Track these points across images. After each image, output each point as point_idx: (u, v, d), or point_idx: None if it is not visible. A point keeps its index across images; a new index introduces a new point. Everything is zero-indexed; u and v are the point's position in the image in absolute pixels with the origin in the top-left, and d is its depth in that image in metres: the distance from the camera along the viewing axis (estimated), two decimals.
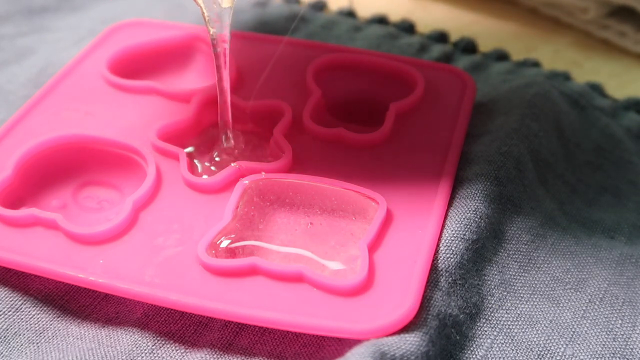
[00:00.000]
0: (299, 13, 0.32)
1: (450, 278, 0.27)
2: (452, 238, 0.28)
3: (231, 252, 0.27)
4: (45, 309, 0.28)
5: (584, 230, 0.30)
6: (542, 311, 0.27)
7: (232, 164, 0.30)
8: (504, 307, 0.27)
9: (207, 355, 0.26)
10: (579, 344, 0.27)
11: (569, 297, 0.28)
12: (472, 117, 0.33)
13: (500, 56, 0.40)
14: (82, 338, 0.27)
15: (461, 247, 0.28)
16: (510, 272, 0.28)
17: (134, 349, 0.27)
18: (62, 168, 0.31)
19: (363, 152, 0.31)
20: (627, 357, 0.26)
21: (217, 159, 0.31)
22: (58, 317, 0.28)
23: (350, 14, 0.43)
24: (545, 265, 0.29)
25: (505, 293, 0.28)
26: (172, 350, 0.27)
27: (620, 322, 0.27)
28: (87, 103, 0.34)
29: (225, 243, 0.28)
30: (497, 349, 0.26)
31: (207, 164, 0.31)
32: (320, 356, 0.26)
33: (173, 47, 0.37)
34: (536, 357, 0.26)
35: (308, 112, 0.32)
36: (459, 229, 0.28)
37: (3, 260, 0.28)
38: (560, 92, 0.35)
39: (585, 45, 0.42)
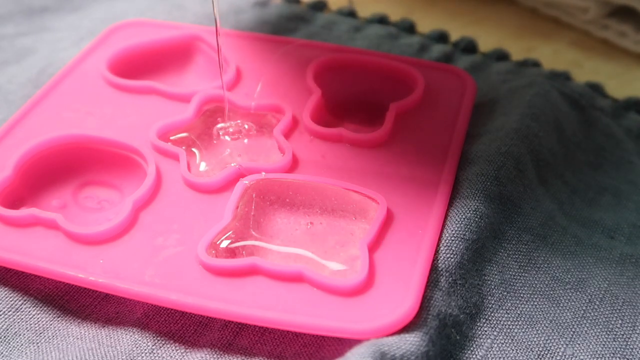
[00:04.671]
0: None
1: (451, 278, 0.27)
2: (452, 238, 0.28)
3: (231, 252, 0.27)
4: (45, 309, 0.28)
5: (584, 230, 0.30)
6: (542, 311, 0.27)
7: (232, 164, 0.30)
8: (504, 307, 0.27)
9: (207, 355, 0.26)
10: (579, 344, 0.27)
11: (569, 297, 0.28)
12: (472, 117, 0.33)
13: (500, 56, 0.40)
14: (82, 338, 0.27)
15: (461, 247, 0.28)
16: (510, 272, 0.28)
17: (134, 349, 0.27)
18: (62, 168, 0.31)
19: (363, 152, 0.31)
20: (627, 357, 0.26)
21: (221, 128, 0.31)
22: (58, 317, 0.28)
23: (350, 14, 0.43)
24: (545, 265, 0.29)
25: (505, 293, 0.28)
26: (172, 350, 0.27)
27: (620, 322, 0.27)
28: (87, 103, 0.34)
29: (225, 243, 0.28)
30: (497, 349, 0.26)
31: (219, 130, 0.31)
32: (320, 356, 0.26)
33: (173, 47, 0.37)
34: (536, 357, 0.26)
35: (308, 112, 0.32)
36: (459, 229, 0.28)
37: (3, 260, 0.28)
38: (560, 92, 0.35)
39: (585, 45, 0.42)
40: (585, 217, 0.31)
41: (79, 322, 0.28)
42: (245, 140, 0.31)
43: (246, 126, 0.32)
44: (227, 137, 0.31)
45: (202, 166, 0.31)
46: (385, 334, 0.25)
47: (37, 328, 0.27)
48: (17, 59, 0.40)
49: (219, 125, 0.32)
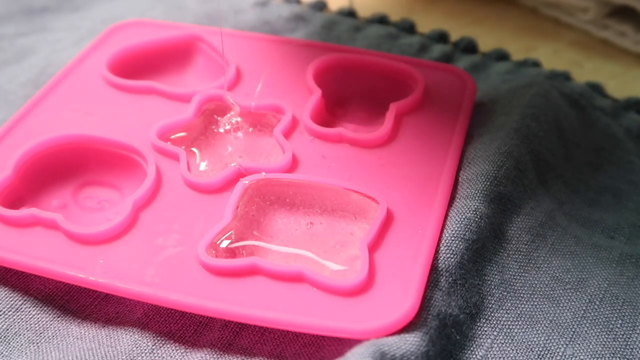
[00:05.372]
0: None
1: (451, 278, 0.27)
2: (452, 238, 0.28)
3: (231, 252, 0.27)
4: (45, 309, 0.28)
5: (584, 230, 0.30)
6: (542, 311, 0.27)
7: (232, 164, 0.30)
8: (504, 307, 0.27)
9: (207, 355, 0.26)
10: (579, 344, 0.27)
11: (569, 297, 0.28)
12: (472, 117, 0.33)
13: (500, 56, 0.40)
14: (82, 338, 0.27)
15: (461, 247, 0.28)
16: (510, 272, 0.28)
17: (134, 349, 0.27)
18: (62, 168, 0.31)
19: (363, 152, 0.31)
20: (627, 357, 0.26)
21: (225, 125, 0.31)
22: (58, 317, 0.28)
23: (350, 14, 0.43)
24: (545, 265, 0.29)
25: (505, 293, 0.28)
26: (172, 350, 0.27)
27: (620, 322, 0.27)
28: (87, 103, 0.34)
29: (225, 243, 0.28)
30: (497, 349, 0.26)
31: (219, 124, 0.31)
32: (320, 356, 0.26)
33: (173, 47, 0.37)
34: (536, 357, 0.26)
35: (308, 112, 0.32)
36: (459, 229, 0.28)
37: (3, 260, 0.28)
38: (560, 92, 0.35)
39: (585, 45, 0.42)
40: (585, 217, 0.31)
41: (79, 322, 0.28)
42: (240, 134, 0.31)
43: (236, 120, 0.32)
44: (226, 128, 0.32)
45: (202, 166, 0.31)
46: (385, 334, 0.25)
47: (37, 328, 0.27)
48: (17, 59, 0.40)
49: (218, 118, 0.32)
